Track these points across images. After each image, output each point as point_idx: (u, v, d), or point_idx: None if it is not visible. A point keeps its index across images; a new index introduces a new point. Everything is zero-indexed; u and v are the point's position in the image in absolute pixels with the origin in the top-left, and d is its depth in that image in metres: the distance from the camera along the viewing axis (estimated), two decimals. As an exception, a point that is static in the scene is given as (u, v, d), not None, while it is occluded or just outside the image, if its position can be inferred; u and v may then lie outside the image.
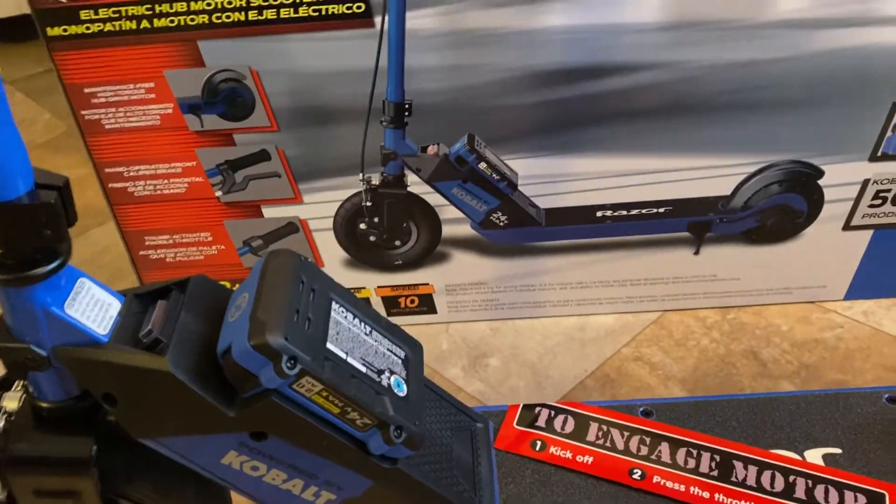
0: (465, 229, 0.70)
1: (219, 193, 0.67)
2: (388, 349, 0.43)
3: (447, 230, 0.70)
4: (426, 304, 0.75)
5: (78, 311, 0.38)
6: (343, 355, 0.39)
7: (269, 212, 0.69)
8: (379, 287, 0.74)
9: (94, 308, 0.38)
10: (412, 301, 0.75)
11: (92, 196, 0.72)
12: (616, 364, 0.71)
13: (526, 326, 0.75)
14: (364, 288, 0.74)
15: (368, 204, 0.68)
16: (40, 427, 0.40)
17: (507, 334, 0.75)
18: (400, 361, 0.43)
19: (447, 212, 0.69)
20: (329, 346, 0.39)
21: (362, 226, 0.70)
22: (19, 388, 0.42)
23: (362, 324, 0.42)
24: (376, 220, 0.69)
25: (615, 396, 0.67)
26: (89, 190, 0.71)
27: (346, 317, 0.41)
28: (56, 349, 0.38)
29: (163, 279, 0.75)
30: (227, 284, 0.74)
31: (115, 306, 0.39)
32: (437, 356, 0.73)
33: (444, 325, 0.76)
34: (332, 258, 0.72)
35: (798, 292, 0.74)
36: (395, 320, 0.76)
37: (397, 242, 0.71)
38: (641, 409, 0.55)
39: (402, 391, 0.41)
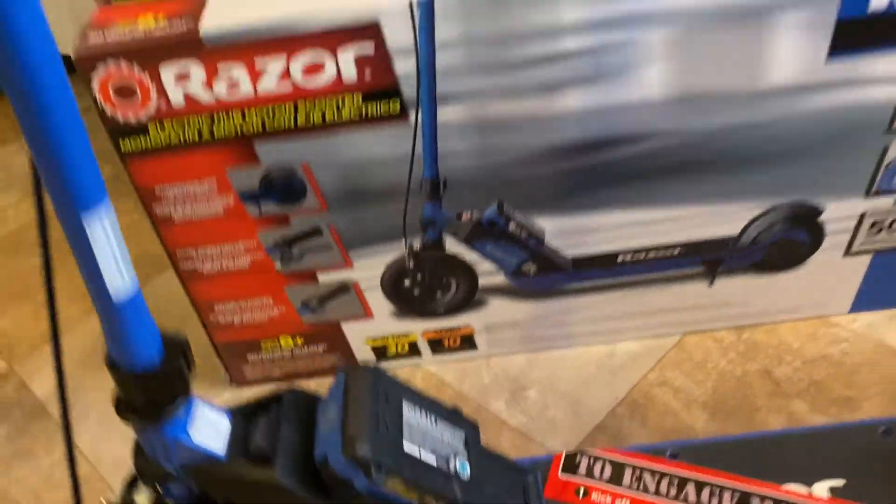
0: (500, 278, 0.77)
1: (278, 266, 0.75)
2: (452, 434, 0.51)
3: (483, 280, 0.77)
4: (467, 343, 0.83)
5: (199, 435, 0.46)
6: (417, 453, 0.47)
7: (323, 277, 0.76)
8: (425, 332, 0.82)
9: (210, 429, 0.47)
10: (455, 341, 0.83)
11: (148, 244, 0.79)
12: (644, 389, 0.78)
13: (559, 357, 0.83)
14: (412, 333, 0.82)
15: (411, 265, 0.75)
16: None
17: (543, 365, 0.83)
18: (462, 443, 0.51)
19: (482, 265, 0.76)
20: (405, 445, 0.47)
21: (406, 283, 0.77)
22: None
23: (428, 417, 0.50)
24: (419, 277, 0.77)
25: (644, 422, 0.75)
26: (144, 237, 0.78)
27: (415, 414, 0.49)
28: (183, 466, 0.46)
29: (231, 338, 0.83)
30: (290, 340, 0.83)
31: (224, 424, 0.48)
32: (481, 390, 0.81)
33: (484, 359, 0.84)
34: (381, 311, 0.80)
35: (807, 309, 0.81)
36: (441, 357, 0.85)
37: (438, 294, 0.78)
38: (669, 451, 0.63)
39: (466, 472, 0.49)
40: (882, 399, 0.74)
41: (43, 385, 0.93)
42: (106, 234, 0.37)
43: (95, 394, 0.89)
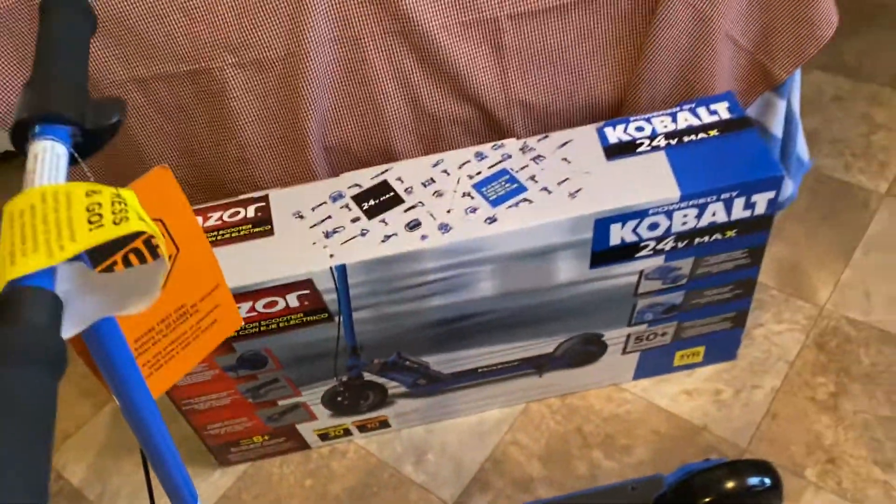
0: (404, 388, 1.14)
1: (251, 400, 1.10)
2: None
3: (392, 391, 1.14)
4: (384, 424, 1.21)
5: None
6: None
7: (281, 402, 1.12)
8: (354, 421, 1.19)
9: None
10: (375, 424, 1.21)
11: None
12: (502, 448, 1.19)
13: (448, 425, 1.22)
14: (345, 423, 1.19)
15: (342, 390, 1.12)
16: None
17: (437, 433, 1.22)
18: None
19: (391, 384, 1.13)
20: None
21: (339, 399, 1.14)
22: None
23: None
24: (347, 395, 1.13)
25: (502, 474, 1.15)
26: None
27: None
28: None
29: (220, 441, 1.17)
30: (260, 438, 1.18)
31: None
32: (395, 457, 1.20)
33: (397, 432, 1.23)
34: (322, 414, 1.16)
35: (606, 381, 1.23)
36: (366, 435, 1.22)
37: (361, 402, 1.15)
38: (508, 513, 1.03)
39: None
40: (648, 444, 1.16)
41: (76, 473, 1.26)
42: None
43: (120, 478, 1.23)
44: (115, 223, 0.37)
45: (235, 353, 1.02)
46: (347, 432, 1.21)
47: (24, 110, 0.45)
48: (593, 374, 1.20)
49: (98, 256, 0.49)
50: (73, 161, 0.46)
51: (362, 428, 1.21)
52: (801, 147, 1.24)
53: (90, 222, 0.37)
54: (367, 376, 1.11)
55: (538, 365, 1.16)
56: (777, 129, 1.17)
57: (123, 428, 1.30)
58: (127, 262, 0.51)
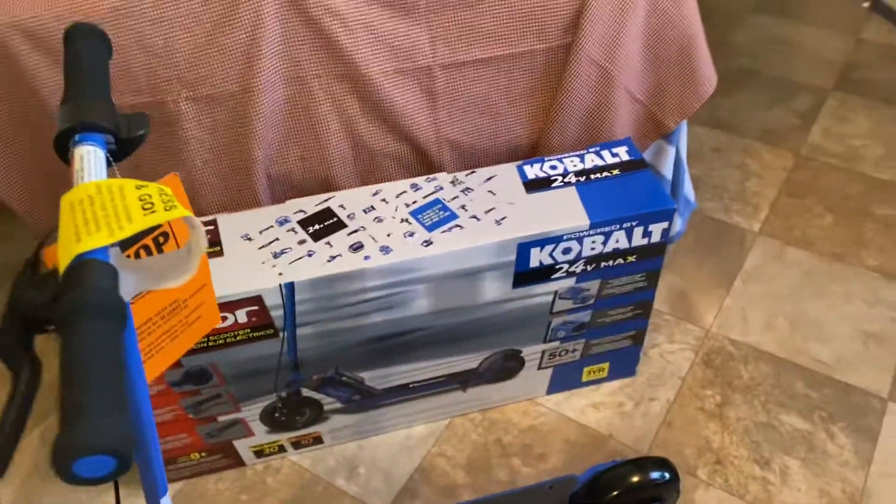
0: (338, 405, 1.22)
1: (191, 415, 1.15)
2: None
3: (328, 407, 1.22)
4: (317, 441, 1.28)
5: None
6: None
7: (221, 418, 1.17)
8: (289, 437, 1.25)
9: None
10: (309, 440, 1.27)
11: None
12: (429, 459, 1.28)
13: (378, 441, 1.30)
14: (280, 440, 1.25)
15: (280, 405, 1.18)
16: None
17: (367, 448, 1.30)
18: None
19: (327, 399, 1.21)
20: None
21: (276, 415, 1.20)
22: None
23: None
24: (284, 411, 1.20)
25: (429, 482, 1.24)
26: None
27: None
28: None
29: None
30: (198, 455, 1.22)
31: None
32: (328, 471, 1.27)
33: (329, 448, 1.30)
34: (259, 430, 1.22)
35: (522, 396, 1.34)
36: (300, 451, 1.28)
37: (297, 418, 1.22)
38: (439, 513, 1.12)
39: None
40: (561, 452, 1.28)
41: (4, 496, 1.25)
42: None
43: (51, 497, 1.24)
44: (165, 209, 0.46)
45: (182, 367, 1.07)
46: (282, 449, 1.27)
47: (66, 122, 0.53)
48: (511, 388, 1.32)
49: (123, 244, 0.57)
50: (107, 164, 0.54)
51: (296, 444, 1.27)
52: (688, 189, 1.42)
53: (144, 209, 0.46)
54: (305, 392, 1.18)
55: (463, 380, 1.27)
56: (667, 171, 1.35)
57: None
58: (147, 251, 0.59)
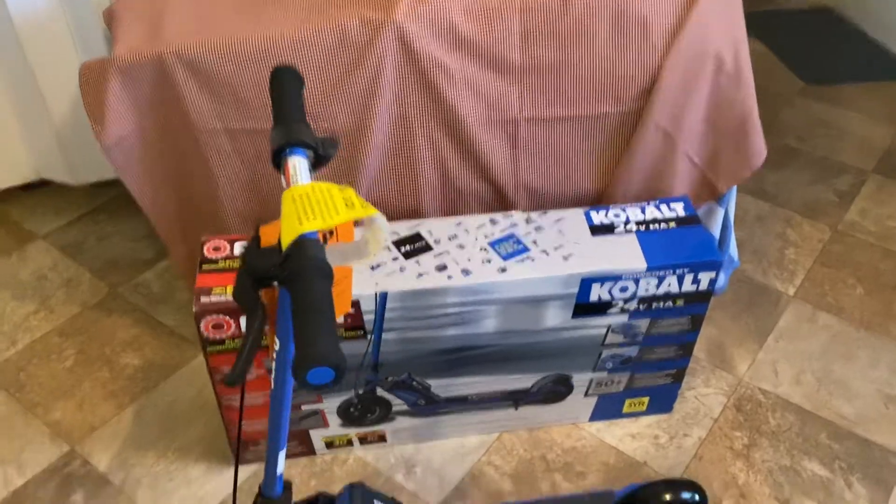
0: (405, 406, 1.37)
1: (280, 403, 1.31)
2: (394, 511, 1.11)
3: (396, 408, 1.37)
4: (381, 439, 1.43)
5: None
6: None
7: (304, 407, 1.33)
8: (357, 433, 1.40)
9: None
10: (374, 438, 1.42)
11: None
12: (479, 467, 1.42)
13: (433, 445, 1.45)
14: (349, 434, 1.40)
15: (356, 401, 1.34)
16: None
17: (424, 451, 1.44)
18: (398, 515, 1.11)
19: (395, 401, 1.36)
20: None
21: (352, 410, 1.36)
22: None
23: (385, 504, 1.09)
24: (359, 407, 1.35)
25: (478, 486, 1.38)
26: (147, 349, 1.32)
27: (380, 504, 1.08)
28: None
29: (244, 437, 1.38)
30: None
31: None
32: (388, 467, 1.41)
33: (391, 447, 1.44)
34: (334, 423, 1.37)
35: (567, 420, 1.48)
36: (365, 447, 1.43)
37: (369, 415, 1.37)
38: (490, 510, 1.26)
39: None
40: (599, 472, 1.41)
41: (102, 462, 1.42)
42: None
43: (142, 469, 1.40)
44: (361, 206, 0.63)
45: (281, 357, 1.24)
46: (350, 442, 1.42)
47: (279, 140, 0.71)
48: (558, 411, 1.46)
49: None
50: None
51: (363, 440, 1.42)
52: (733, 248, 1.57)
53: (347, 205, 0.63)
54: (379, 392, 1.34)
55: (516, 399, 1.41)
56: (716, 230, 1.50)
57: (144, 426, 1.48)
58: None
